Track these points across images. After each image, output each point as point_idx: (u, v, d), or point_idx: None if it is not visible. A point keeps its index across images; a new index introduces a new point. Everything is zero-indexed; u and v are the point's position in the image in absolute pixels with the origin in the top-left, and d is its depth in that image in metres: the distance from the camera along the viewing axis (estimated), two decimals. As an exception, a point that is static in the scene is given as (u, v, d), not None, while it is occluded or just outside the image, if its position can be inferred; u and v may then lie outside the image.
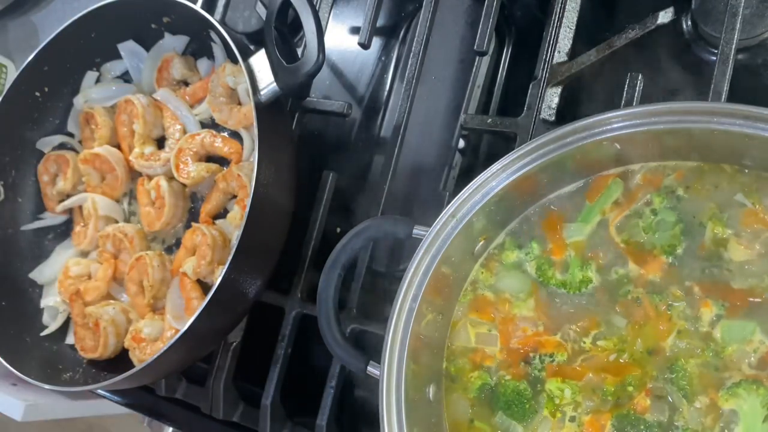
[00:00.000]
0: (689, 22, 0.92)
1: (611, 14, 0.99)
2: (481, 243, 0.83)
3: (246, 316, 1.01)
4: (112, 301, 1.05)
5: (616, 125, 0.73)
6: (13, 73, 1.41)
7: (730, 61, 0.80)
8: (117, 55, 1.12)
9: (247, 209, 0.85)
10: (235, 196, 1.00)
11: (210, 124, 1.06)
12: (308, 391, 0.99)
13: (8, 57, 1.47)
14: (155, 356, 0.85)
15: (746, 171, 0.74)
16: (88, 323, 1.03)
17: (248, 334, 1.03)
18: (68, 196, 1.13)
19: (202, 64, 1.09)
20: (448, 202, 0.78)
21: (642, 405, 0.73)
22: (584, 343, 0.77)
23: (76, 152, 1.13)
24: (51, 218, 1.15)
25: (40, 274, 1.12)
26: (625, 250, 0.78)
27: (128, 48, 1.11)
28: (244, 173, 0.96)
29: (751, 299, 0.72)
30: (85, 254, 1.11)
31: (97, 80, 1.14)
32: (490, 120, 0.95)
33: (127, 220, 1.10)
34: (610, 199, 0.79)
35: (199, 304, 0.85)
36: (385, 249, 1.03)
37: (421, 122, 1.04)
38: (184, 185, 1.04)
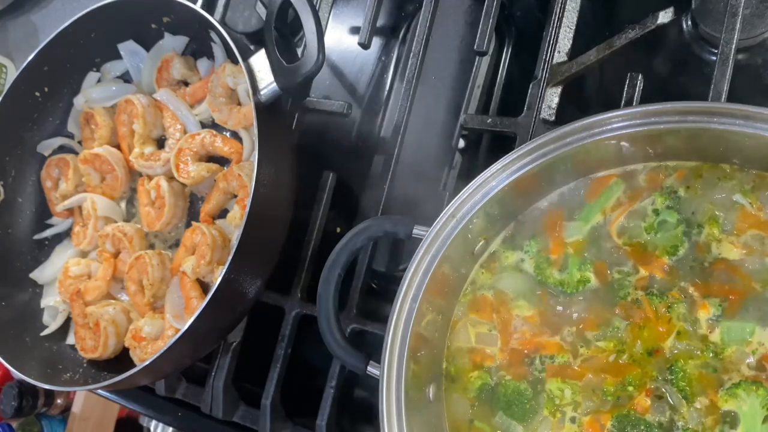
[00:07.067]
0: (689, 22, 0.92)
1: (611, 14, 0.99)
2: (481, 243, 0.83)
3: (246, 316, 1.01)
4: (112, 301, 1.05)
5: (616, 125, 0.73)
6: (13, 73, 1.41)
7: (730, 61, 0.80)
8: (117, 55, 1.12)
9: (247, 209, 0.85)
10: (235, 196, 1.00)
11: (210, 124, 1.06)
12: (308, 391, 0.99)
13: (8, 57, 1.47)
14: (155, 356, 0.85)
15: (746, 171, 0.74)
16: (88, 323, 1.03)
17: (248, 334, 1.03)
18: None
19: (202, 64, 1.09)
20: (448, 202, 0.78)
21: (642, 405, 0.73)
22: (584, 344, 0.77)
23: (76, 154, 1.13)
24: (60, 224, 1.15)
25: (40, 274, 1.12)
26: (626, 251, 0.78)
27: (128, 48, 1.11)
28: (245, 173, 0.96)
29: (750, 300, 0.72)
30: (84, 254, 1.11)
31: (98, 81, 1.14)
32: (490, 120, 0.95)
33: (126, 221, 1.10)
34: (610, 199, 0.79)
35: (199, 304, 0.85)
36: (385, 249, 1.02)
37: (421, 122, 1.04)
38: (184, 185, 1.04)
